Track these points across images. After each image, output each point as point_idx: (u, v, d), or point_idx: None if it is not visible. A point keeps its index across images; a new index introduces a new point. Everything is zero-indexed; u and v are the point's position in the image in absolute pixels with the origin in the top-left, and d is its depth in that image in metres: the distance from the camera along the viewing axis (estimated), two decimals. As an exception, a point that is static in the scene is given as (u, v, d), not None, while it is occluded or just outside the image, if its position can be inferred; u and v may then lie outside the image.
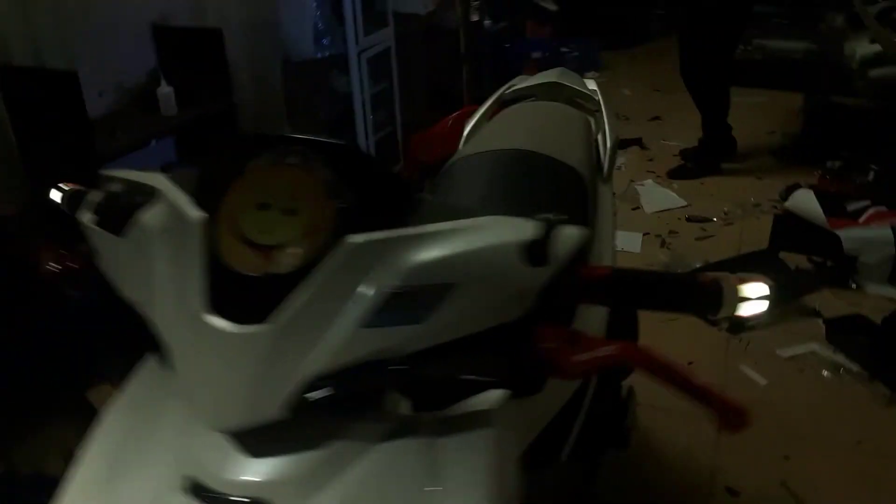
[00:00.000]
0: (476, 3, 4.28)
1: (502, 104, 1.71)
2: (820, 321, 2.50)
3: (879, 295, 2.63)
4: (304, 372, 0.62)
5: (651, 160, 3.84)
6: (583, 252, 0.68)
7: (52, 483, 1.93)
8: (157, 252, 0.70)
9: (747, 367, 2.34)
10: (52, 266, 0.92)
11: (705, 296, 0.67)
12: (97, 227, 0.77)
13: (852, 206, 3.04)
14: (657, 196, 3.48)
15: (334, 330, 0.62)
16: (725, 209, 3.31)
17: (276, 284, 0.63)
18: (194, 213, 0.67)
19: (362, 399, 0.68)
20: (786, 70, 4.55)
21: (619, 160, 3.61)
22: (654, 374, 0.67)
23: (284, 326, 0.62)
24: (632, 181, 3.60)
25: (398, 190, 0.72)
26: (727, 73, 3.55)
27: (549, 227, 0.66)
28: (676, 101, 4.04)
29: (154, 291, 0.69)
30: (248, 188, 0.67)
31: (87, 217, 0.78)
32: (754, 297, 0.67)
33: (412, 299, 0.63)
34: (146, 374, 0.79)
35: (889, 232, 2.72)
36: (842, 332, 2.40)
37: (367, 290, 0.63)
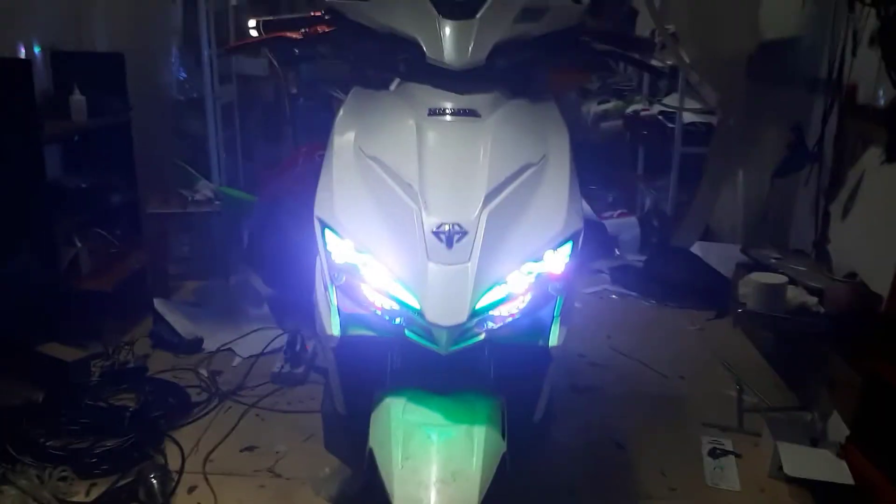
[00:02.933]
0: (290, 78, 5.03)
1: None
2: (604, 273, 3.50)
3: (633, 258, 3.73)
4: (496, 38, 1.22)
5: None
6: None
7: (25, 410, 2.17)
8: None
9: (566, 300, 3.21)
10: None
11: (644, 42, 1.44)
12: None
13: (606, 214, 4.21)
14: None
15: (508, 18, 1.24)
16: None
17: None
18: None
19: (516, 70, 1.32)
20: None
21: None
22: None
23: (483, 17, 1.22)
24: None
25: None
26: None
27: None
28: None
29: None
30: None
31: None
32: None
33: None
34: (354, 97, 1.37)
35: (634, 220, 3.89)
36: (620, 273, 3.42)
37: None
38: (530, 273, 1.12)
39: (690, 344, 2.82)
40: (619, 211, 4.15)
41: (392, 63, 1.34)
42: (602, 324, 2.96)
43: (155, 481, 1.73)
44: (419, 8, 1.27)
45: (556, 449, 2.05)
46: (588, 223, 4.00)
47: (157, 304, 2.68)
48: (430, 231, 1.09)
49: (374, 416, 1.19)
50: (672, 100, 3.88)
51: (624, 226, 3.88)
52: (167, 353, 2.55)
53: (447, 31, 1.24)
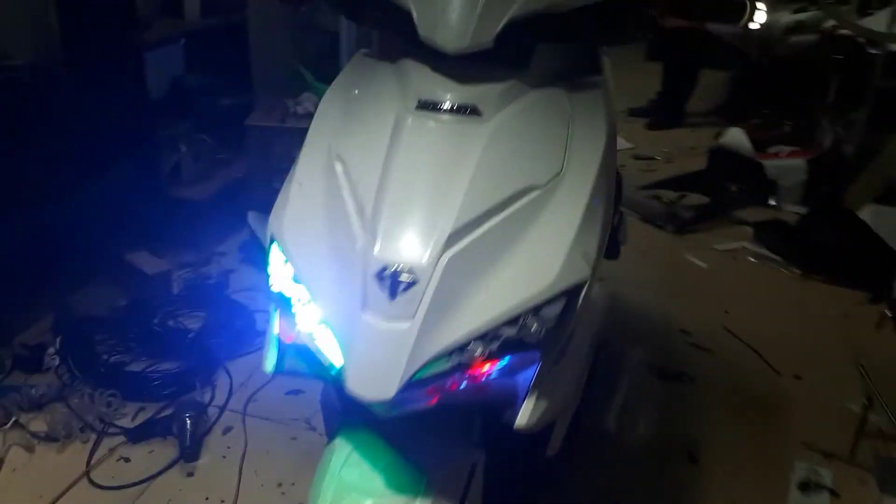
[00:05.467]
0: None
1: None
2: (747, 227, 3.02)
3: (793, 211, 3.19)
4: (508, 14, 0.93)
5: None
6: None
7: (102, 322, 2.22)
8: None
9: (691, 256, 2.83)
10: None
11: (734, 6, 1.07)
12: None
13: (772, 150, 3.60)
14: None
15: None
16: (665, 149, 3.83)
17: None
18: None
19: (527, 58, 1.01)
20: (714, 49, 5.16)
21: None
22: None
23: None
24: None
25: None
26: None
27: None
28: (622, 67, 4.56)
29: None
30: None
31: None
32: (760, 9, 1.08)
33: None
34: (353, 67, 1.13)
35: (802, 162, 3.29)
36: (766, 231, 2.93)
37: None
38: (497, 339, 0.88)
39: (826, 333, 2.37)
40: (789, 149, 3.53)
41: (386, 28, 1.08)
42: (724, 294, 2.56)
43: (188, 420, 1.75)
44: None
45: (615, 448, 1.83)
46: (739, 161, 3.42)
47: (251, 217, 2.66)
48: (372, 272, 0.88)
49: (324, 452, 1.05)
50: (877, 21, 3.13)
51: (788, 169, 3.29)
52: (253, 270, 2.56)
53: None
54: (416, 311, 0.85)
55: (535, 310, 0.88)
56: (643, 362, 2.17)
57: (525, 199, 0.93)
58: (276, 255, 0.97)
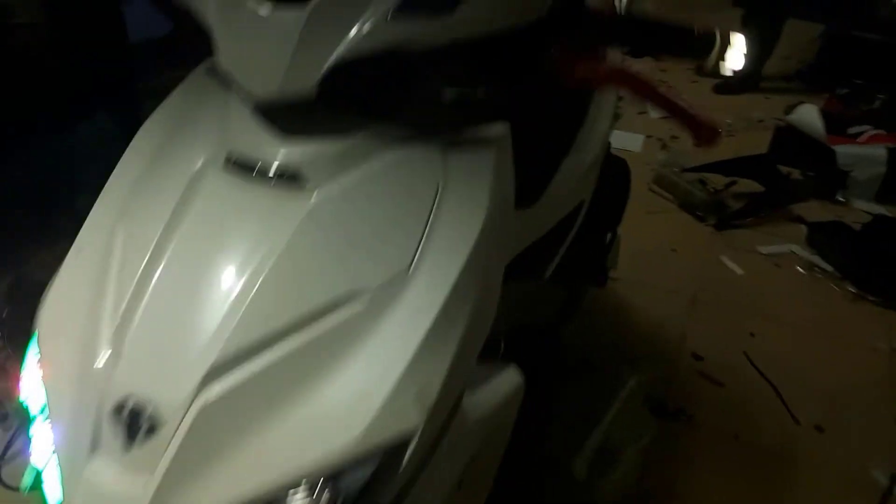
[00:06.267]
0: None
1: None
2: (802, 226, 2.61)
3: (864, 210, 2.74)
4: (335, 53, 0.66)
5: (664, 71, 3.87)
6: None
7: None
8: None
9: (727, 259, 2.46)
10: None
11: (700, 40, 0.76)
12: None
13: (853, 130, 3.10)
14: (664, 103, 3.53)
15: (366, 14, 0.66)
16: (729, 121, 3.38)
17: None
18: None
19: (384, 97, 0.74)
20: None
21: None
22: (640, 93, 0.77)
23: (318, 8, 0.65)
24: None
25: None
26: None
27: None
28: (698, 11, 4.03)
29: None
30: None
31: None
32: (738, 48, 0.76)
33: None
34: (192, 82, 0.88)
35: (883, 151, 2.81)
36: (822, 235, 2.52)
37: None
38: None
39: (866, 372, 2.01)
40: (872, 132, 3.04)
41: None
42: (755, 311, 2.22)
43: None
44: None
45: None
46: (807, 143, 2.89)
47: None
48: (110, 405, 0.66)
49: None
50: None
51: (866, 158, 2.82)
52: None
53: (254, 24, 0.68)
54: (158, 468, 0.63)
55: (333, 477, 0.64)
56: (636, 391, 1.89)
57: (342, 312, 0.68)
58: (33, 346, 0.76)
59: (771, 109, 3.50)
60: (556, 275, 1.35)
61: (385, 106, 0.75)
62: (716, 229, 2.62)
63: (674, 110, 0.78)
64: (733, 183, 2.83)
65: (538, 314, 1.45)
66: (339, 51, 0.67)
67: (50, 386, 0.71)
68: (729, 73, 1.79)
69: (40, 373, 0.73)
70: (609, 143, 1.57)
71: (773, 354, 2.05)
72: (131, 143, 0.84)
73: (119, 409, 0.65)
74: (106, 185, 0.82)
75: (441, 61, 0.70)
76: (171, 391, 0.64)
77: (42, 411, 0.73)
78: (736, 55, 0.78)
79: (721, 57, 0.77)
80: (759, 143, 3.10)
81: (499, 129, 0.81)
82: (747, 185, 2.82)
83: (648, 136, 3.23)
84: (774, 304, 2.26)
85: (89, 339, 0.70)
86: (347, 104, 0.73)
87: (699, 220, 2.66)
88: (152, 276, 0.69)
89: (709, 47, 0.76)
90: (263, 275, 0.67)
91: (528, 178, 0.91)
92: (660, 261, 2.42)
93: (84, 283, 0.74)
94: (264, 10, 0.67)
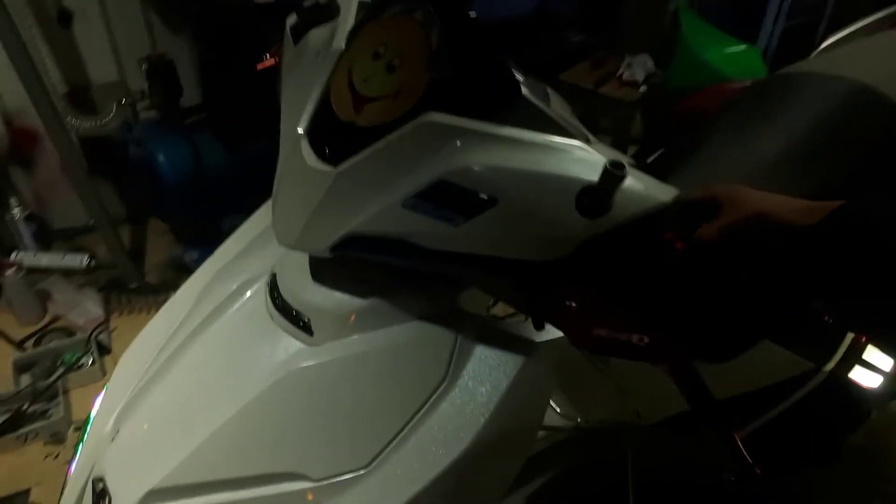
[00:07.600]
0: None
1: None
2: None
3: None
4: (347, 225, 0.65)
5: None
6: (663, 218, 0.59)
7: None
8: (305, 67, 0.73)
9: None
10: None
11: (815, 337, 0.60)
12: (288, 31, 0.80)
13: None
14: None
15: (381, 196, 0.63)
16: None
17: (358, 136, 0.64)
18: (338, 42, 0.70)
19: (407, 273, 0.71)
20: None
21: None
22: (675, 381, 0.64)
23: (345, 175, 0.64)
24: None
25: (498, 78, 0.65)
26: None
27: (610, 175, 0.57)
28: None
29: (288, 102, 0.73)
30: (371, 33, 0.69)
31: (291, 19, 0.81)
32: (875, 365, 0.58)
33: (454, 199, 0.61)
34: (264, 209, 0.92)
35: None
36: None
37: (421, 170, 0.62)
38: None
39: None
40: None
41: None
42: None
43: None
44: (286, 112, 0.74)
45: None
46: None
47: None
48: (94, 475, 0.75)
49: None
50: None
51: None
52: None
53: (290, 171, 0.71)
54: None
55: None
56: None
57: (283, 486, 0.67)
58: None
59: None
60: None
61: (401, 281, 0.73)
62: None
63: (711, 421, 0.66)
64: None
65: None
66: (352, 223, 0.66)
67: (99, 419, 0.79)
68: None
69: (98, 405, 0.82)
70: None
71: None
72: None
73: (96, 482, 0.72)
74: (214, 254, 0.89)
75: (451, 261, 0.67)
76: (124, 495, 0.69)
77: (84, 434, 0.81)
78: (869, 374, 0.59)
79: (847, 368, 0.59)
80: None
81: (531, 330, 0.73)
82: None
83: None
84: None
85: (115, 403, 0.78)
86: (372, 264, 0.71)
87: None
88: (166, 373, 0.74)
89: (829, 350, 0.59)
90: (225, 420, 0.68)
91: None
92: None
93: (149, 346, 0.81)
94: (310, 159, 0.67)
